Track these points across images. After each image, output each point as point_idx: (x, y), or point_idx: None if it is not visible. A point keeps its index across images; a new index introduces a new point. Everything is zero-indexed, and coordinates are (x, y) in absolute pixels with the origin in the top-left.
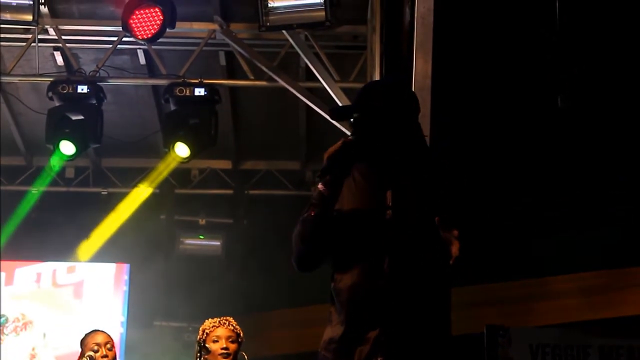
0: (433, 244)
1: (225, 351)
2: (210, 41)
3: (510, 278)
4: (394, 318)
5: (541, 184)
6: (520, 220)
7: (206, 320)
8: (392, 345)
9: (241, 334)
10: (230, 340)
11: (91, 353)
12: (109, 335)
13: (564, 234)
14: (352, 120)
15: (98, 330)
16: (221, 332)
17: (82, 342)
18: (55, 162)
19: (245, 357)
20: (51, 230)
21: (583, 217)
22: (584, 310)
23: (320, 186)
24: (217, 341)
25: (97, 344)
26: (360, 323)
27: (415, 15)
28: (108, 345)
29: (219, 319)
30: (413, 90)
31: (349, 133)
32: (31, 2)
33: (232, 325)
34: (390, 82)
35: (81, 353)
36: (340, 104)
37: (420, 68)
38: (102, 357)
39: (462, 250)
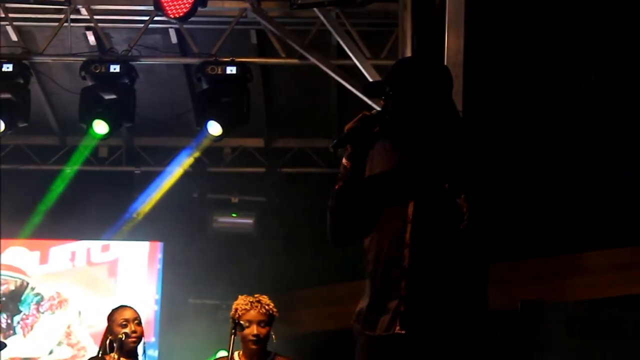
0: (457, 218)
1: (255, 338)
2: (241, 19)
3: (545, 254)
4: (414, 288)
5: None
6: (553, 197)
7: (239, 297)
8: (410, 315)
9: (274, 313)
10: (262, 324)
11: (126, 330)
12: (136, 311)
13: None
14: (383, 96)
15: (126, 306)
16: (253, 315)
17: (109, 318)
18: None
19: (274, 338)
20: (85, 209)
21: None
22: (619, 285)
23: (344, 160)
24: (248, 326)
25: (126, 320)
26: (383, 293)
27: None
28: (136, 321)
29: (251, 301)
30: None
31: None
32: None
33: (264, 307)
34: (422, 58)
35: (107, 328)
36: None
37: (452, 44)
38: (132, 332)
39: (494, 225)
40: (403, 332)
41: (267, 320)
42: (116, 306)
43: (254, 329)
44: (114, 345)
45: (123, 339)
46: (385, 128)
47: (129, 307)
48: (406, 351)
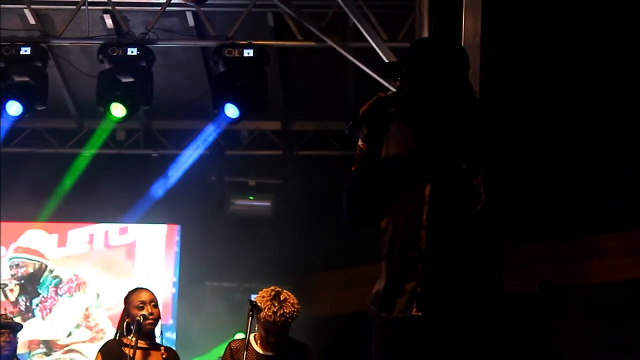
0: (473, 200)
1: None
2: (258, 2)
3: (562, 237)
4: (431, 270)
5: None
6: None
7: (264, 293)
8: (427, 296)
9: (296, 314)
10: (282, 330)
11: (144, 312)
12: (153, 293)
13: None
14: (399, 77)
15: (142, 288)
16: (273, 324)
17: (126, 300)
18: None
19: None
20: (103, 192)
21: None
22: (637, 268)
23: (360, 142)
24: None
25: (142, 302)
26: (400, 275)
27: None
28: (153, 303)
29: (276, 302)
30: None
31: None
32: None
33: (286, 314)
34: (439, 39)
35: (124, 310)
36: None
37: (470, 25)
38: (149, 314)
39: (510, 207)
40: (420, 314)
41: (289, 324)
42: (133, 288)
43: (271, 328)
44: (132, 327)
45: (141, 320)
46: (401, 109)
47: (146, 289)
48: (422, 333)
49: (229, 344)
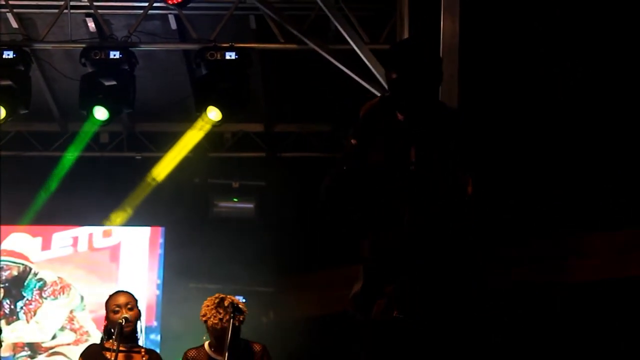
0: (455, 201)
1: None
2: (240, 5)
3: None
4: (410, 272)
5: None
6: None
7: (208, 302)
8: (408, 299)
9: (243, 317)
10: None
11: (125, 315)
12: (130, 295)
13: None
14: (390, 79)
15: (120, 291)
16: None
17: (105, 305)
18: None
19: (266, 319)
20: (86, 195)
21: None
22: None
23: (352, 140)
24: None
25: (118, 305)
26: (379, 277)
27: None
28: (129, 306)
29: (221, 309)
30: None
31: (378, 94)
32: None
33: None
34: (424, 43)
35: (106, 314)
36: (370, 66)
37: (448, 27)
38: (124, 317)
39: (496, 207)
40: (401, 316)
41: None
42: (112, 292)
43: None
44: (112, 331)
45: (123, 323)
46: (393, 110)
47: (123, 292)
48: (403, 334)
49: (185, 353)
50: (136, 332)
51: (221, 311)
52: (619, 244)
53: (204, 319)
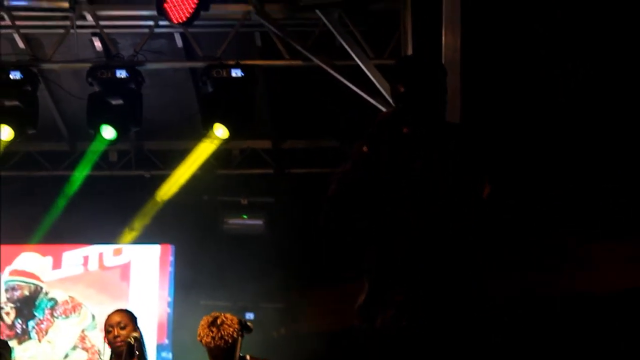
0: (461, 212)
1: None
2: (245, 22)
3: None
4: (417, 281)
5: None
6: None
7: (203, 322)
8: (416, 309)
9: (237, 333)
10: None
11: (134, 334)
12: (125, 314)
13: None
14: (397, 93)
15: (116, 311)
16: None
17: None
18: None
19: (276, 334)
20: (96, 213)
21: None
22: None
23: (364, 147)
24: None
25: (110, 325)
26: (384, 287)
27: None
28: (121, 324)
29: (213, 328)
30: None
31: (384, 109)
32: None
33: (225, 336)
34: (431, 56)
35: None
36: (375, 81)
37: (449, 42)
38: (114, 337)
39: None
40: (409, 325)
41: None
42: (110, 312)
43: None
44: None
45: (132, 342)
46: (399, 123)
47: (118, 311)
48: (411, 344)
49: None
50: (133, 350)
51: (214, 330)
52: (625, 253)
53: (198, 338)
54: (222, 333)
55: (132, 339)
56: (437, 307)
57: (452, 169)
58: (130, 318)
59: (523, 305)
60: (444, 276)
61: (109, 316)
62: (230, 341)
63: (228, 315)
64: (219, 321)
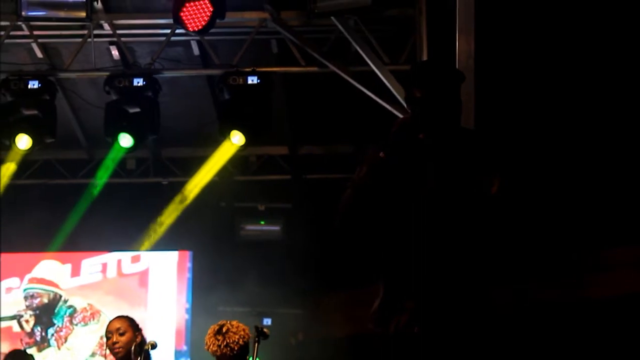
0: (473, 219)
1: None
2: (261, 29)
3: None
4: (431, 287)
5: None
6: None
7: (210, 330)
8: (428, 316)
9: (242, 340)
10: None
11: (148, 344)
12: (124, 320)
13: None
14: (413, 97)
15: (117, 317)
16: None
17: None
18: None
19: (293, 340)
20: (114, 221)
21: None
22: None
23: (380, 153)
24: None
25: (110, 332)
26: (398, 293)
27: None
28: (120, 331)
29: (219, 336)
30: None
31: (400, 115)
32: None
33: (230, 343)
34: (447, 62)
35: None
36: (390, 87)
37: (463, 48)
38: (113, 343)
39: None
40: (421, 330)
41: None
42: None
43: None
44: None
45: (149, 350)
46: (415, 128)
47: (118, 318)
48: (424, 348)
49: None
50: (131, 356)
51: (219, 338)
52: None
53: (205, 348)
54: (228, 341)
55: (150, 346)
56: (449, 314)
57: (466, 175)
58: (130, 324)
59: (534, 312)
60: (455, 283)
61: (110, 322)
62: (236, 348)
63: (234, 322)
64: (224, 329)
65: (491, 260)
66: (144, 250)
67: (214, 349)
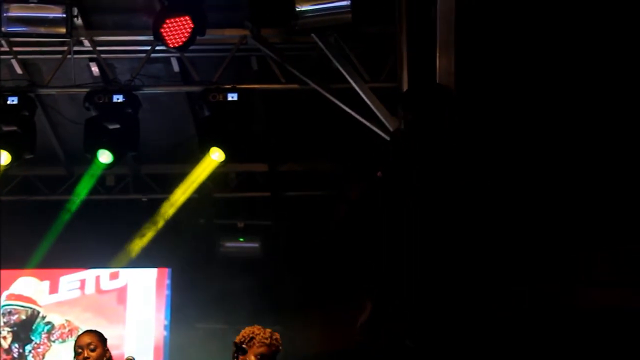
0: (462, 235)
1: None
2: (242, 46)
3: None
4: (418, 301)
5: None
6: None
7: (255, 329)
8: (417, 326)
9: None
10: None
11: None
12: (95, 335)
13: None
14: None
15: (87, 331)
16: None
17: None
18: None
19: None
20: (93, 237)
21: None
22: None
23: (378, 173)
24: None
25: (80, 347)
26: (387, 306)
27: (437, 13)
28: (91, 346)
29: (266, 336)
30: None
31: (381, 133)
32: (65, 15)
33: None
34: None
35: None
36: (370, 104)
37: (444, 65)
38: (84, 359)
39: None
40: (411, 343)
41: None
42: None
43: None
44: None
45: None
46: (405, 148)
47: (88, 332)
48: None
49: None
50: None
51: (269, 331)
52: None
53: (249, 334)
54: (277, 337)
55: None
56: (440, 327)
57: (456, 193)
58: (99, 339)
59: (535, 318)
60: (446, 296)
61: (79, 337)
62: (279, 347)
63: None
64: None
65: (486, 263)
66: (122, 267)
67: (265, 336)
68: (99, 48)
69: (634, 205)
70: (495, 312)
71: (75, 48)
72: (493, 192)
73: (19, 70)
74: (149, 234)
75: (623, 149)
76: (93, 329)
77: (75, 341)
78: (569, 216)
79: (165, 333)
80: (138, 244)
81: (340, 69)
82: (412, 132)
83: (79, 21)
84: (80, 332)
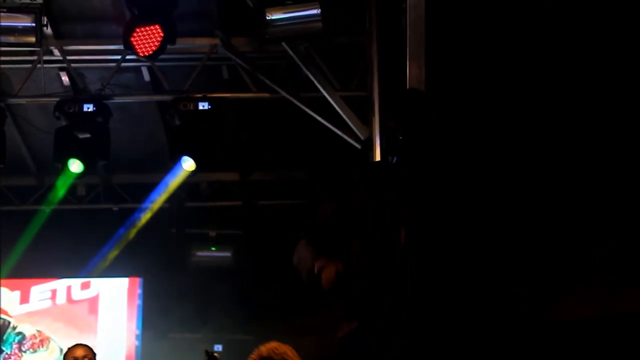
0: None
1: None
2: (213, 55)
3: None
4: (409, 309)
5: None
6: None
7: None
8: (408, 334)
9: None
10: None
11: None
12: (87, 348)
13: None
14: (387, 128)
15: (78, 345)
16: None
17: (64, 357)
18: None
19: None
20: (64, 247)
21: None
22: None
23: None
24: None
25: (75, 358)
26: (377, 315)
27: (407, 22)
28: (86, 359)
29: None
30: None
31: (352, 141)
32: (35, 25)
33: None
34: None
35: None
36: (341, 113)
37: (414, 74)
38: None
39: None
40: (400, 351)
41: None
42: (71, 346)
43: None
44: None
45: None
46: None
47: (81, 345)
48: None
49: None
50: None
51: None
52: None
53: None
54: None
55: None
56: (439, 327)
57: (456, 193)
58: (92, 353)
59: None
60: (446, 296)
61: (72, 349)
62: None
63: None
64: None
65: (486, 263)
66: (94, 277)
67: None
68: (69, 57)
69: (634, 205)
70: (495, 312)
71: (45, 57)
72: (493, 192)
73: None
74: (121, 244)
75: (623, 149)
76: (82, 342)
77: (68, 354)
78: (569, 216)
79: (137, 343)
80: (109, 254)
81: (311, 77)
82: (402, 136)
83: (48, 30)
84: (51, 342)
